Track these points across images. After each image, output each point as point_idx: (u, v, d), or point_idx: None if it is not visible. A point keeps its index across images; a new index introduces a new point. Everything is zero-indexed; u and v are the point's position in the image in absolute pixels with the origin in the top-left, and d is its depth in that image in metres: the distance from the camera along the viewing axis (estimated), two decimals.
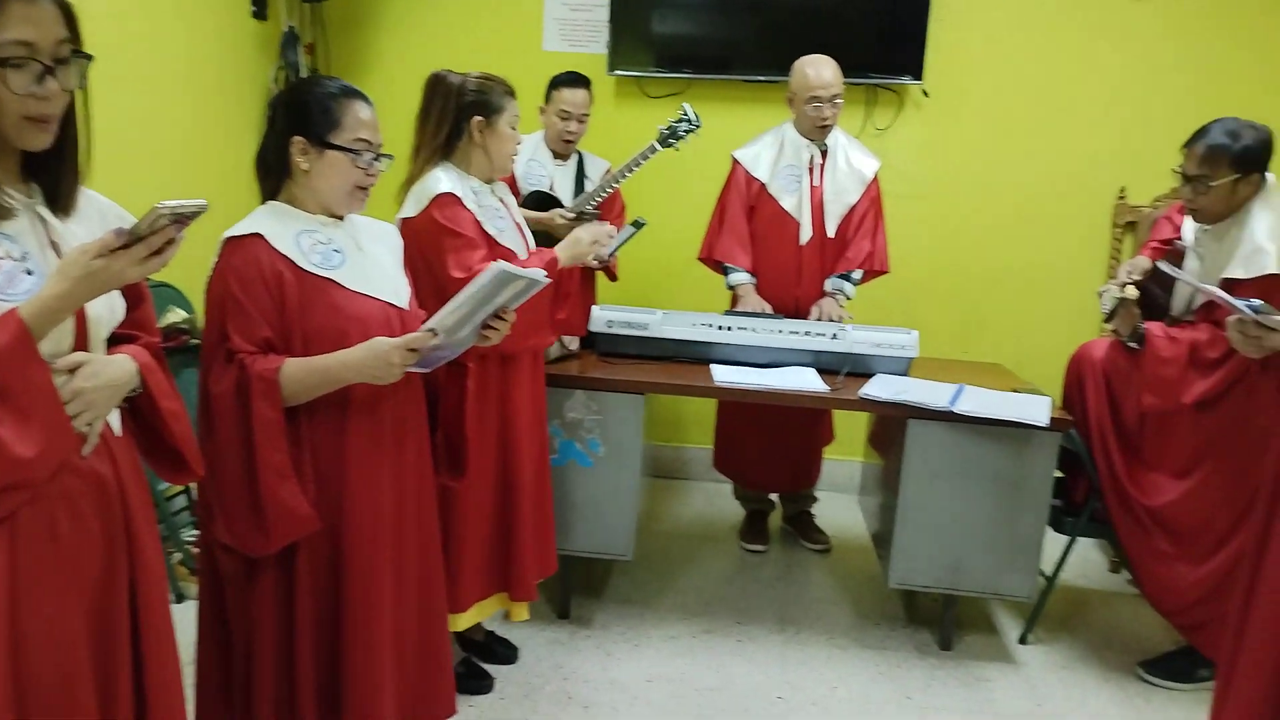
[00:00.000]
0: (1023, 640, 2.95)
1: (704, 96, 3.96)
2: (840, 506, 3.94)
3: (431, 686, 2.03)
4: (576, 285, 2.67)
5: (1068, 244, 3.99)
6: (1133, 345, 2.62)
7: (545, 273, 1.86)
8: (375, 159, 1.82)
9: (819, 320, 3.17)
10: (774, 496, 3.72)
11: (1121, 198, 3.91)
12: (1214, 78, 3.80)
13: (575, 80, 3.31)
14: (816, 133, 3.26)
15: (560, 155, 3.38)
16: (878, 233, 3.34)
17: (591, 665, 2.71)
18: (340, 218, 1.87)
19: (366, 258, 1.87)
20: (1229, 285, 2.45)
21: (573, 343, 2.98)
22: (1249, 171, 2.50)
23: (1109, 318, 2.63)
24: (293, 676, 1.80)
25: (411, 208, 2.29)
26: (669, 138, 3.14)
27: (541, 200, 3.24)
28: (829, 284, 3.30)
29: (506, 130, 2.34)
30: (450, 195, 2.26)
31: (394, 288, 1.91)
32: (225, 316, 1.72)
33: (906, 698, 2.63)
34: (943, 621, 2.90)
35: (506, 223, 2.41)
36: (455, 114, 2.32)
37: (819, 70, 3.19)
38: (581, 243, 2.47)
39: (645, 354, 2.99)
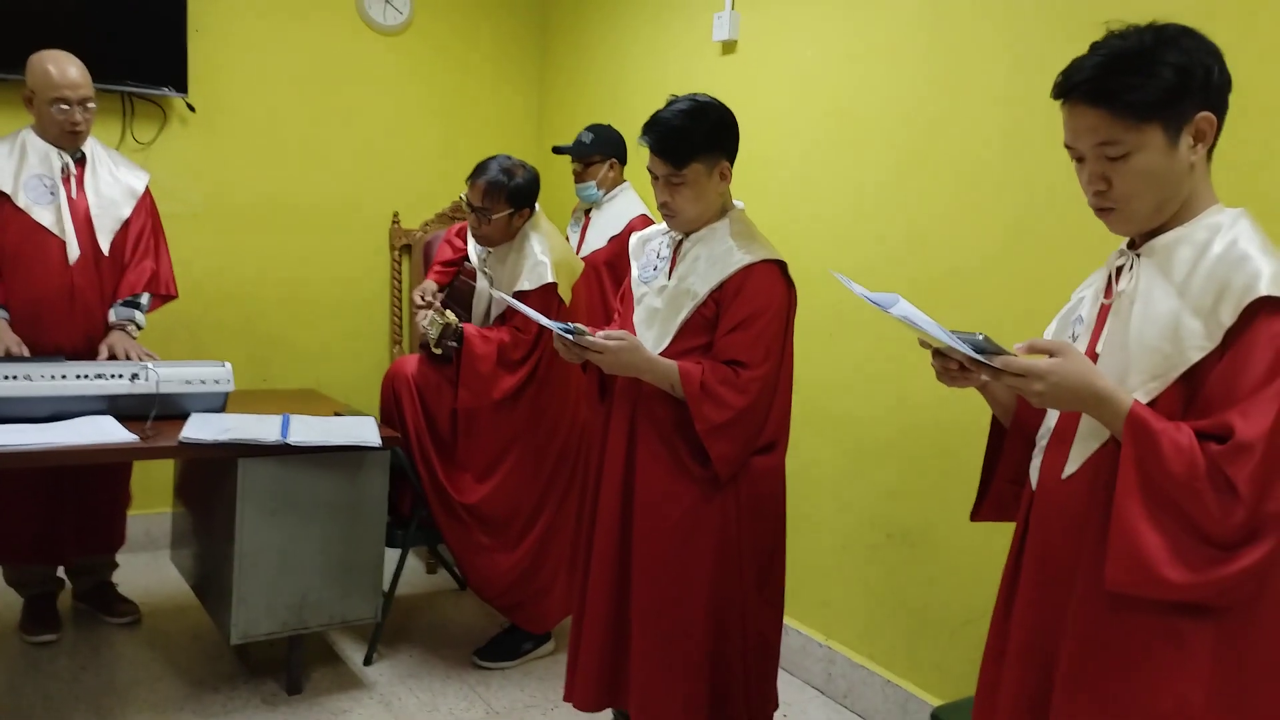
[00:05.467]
0: (367, 661, 2.96)
1: None
2: (143, 566, 3.49)
3: None
4: None
5: (354, 265, 4.10)
6: (453, 344, 2.79)
7: None
8: None
9: (110, 359, 2.74)
10: (60, 572, 3.12)
11: (395, 222, 4.16)
12: (468, 116, 4.26)
13: None
14: (67, 139, 2.81)
15: None
16: (160, 252, 3.02)
17: None
18: None
19: None
20: (521, 296, 2.78)
21: None
22: (521, 206, 2.86)
23: (438, 341, 2.77)
24: None
25: None
26: None
27: None
28: (115, 314, 2.88)
29: None
30: None
31: None
32: None
33: None
34: (289, 665, 2.75)
35: None
36: None
37: (62, 68, 2.76)
38: None
39: None
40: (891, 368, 2.72)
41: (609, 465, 2.20)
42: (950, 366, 1.34)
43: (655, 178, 2.08)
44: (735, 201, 2.18)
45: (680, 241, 2.16)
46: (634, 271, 2.26)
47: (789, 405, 2.18)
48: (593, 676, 2.21)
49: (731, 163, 2.11)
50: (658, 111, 2.07)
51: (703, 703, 2.12)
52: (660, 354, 2.09)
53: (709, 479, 2.08)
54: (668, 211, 2.10)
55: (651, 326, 2.15)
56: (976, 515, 1.61)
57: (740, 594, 2.15)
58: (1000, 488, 1.55)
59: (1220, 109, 1.29)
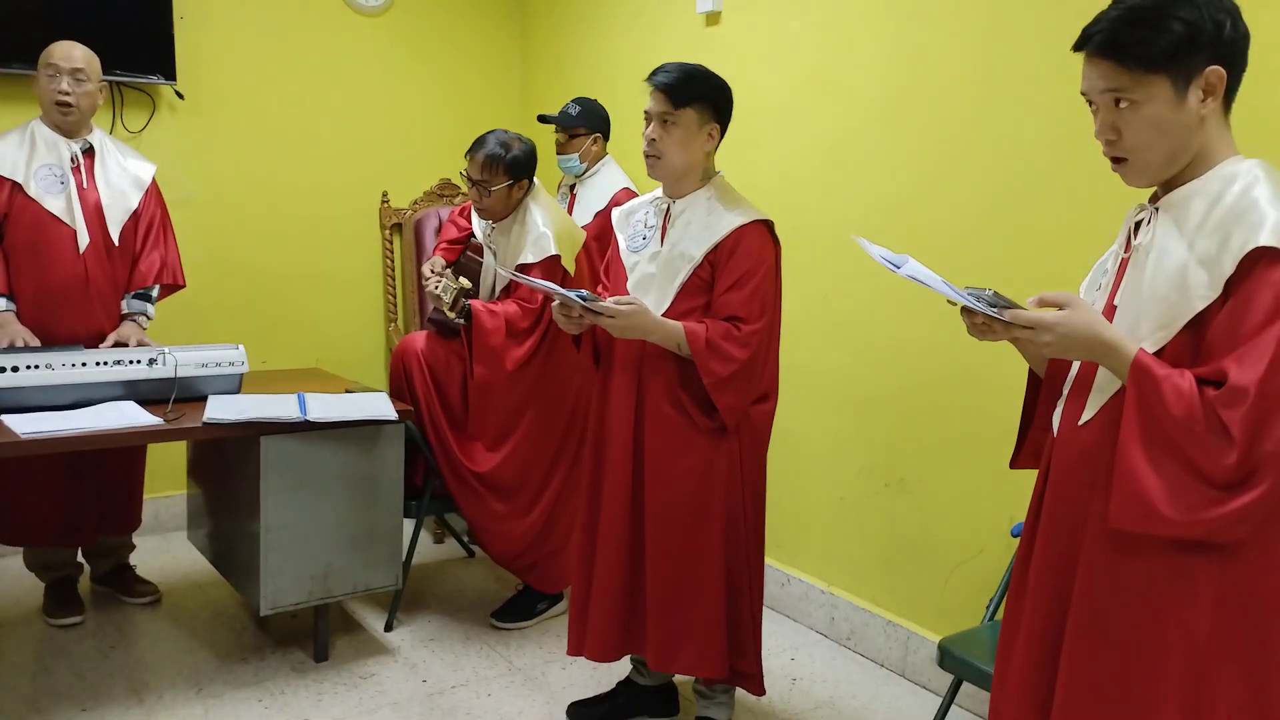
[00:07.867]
0: (388, 628, 3.07)
1: None
2: (155, 548, 3.56)
3: None
4: None
5: (346, 245, 4.15)
6: (460, 320, 2.87)
7: None
8: None
9: (117, 347, 2.80)
10: (79, 556, 3.19)
11: (385, 201, 4.21)
12: (453, 94, 4.31)
13: None
14: (57, 112, 2.83)
15: None
16: (168, 242, 3.08)
17: None
18: None
19: None
20: (524, 269, 2.86)
21: None
22: (519, 178, 2.94)
23: (453, 306, 2.84)
24: None
25: None
26: None
27: None
28: (128, 305, 2.94)
29: None
30: None
31: None
32: None
33: None
34: (316, 633, 2.85)
35: None
36: None
37: (59, 44, 2.84)
38: None
39: None
40: (885, 327, 2.84)
41: (615, 426, 2.31)
42: (977, 321, 1.40)
43: (649, 120, 2.19)
44: (717, 170, 2.31)
45: (668, 209, 2.27)
46: (621, 243, 2.37)
47: (778, 358, 2.33)
48: (608, 628, 2.33)
49: (723, 131, 2.24)
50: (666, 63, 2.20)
51: (722, 636, 2.27)
52: (660, 316, 2.21)
53: (716, 429, 2.23)
54: (653, 150, 2.20)
55: (649, 292, 2.26)
56: (1015, 463, 1.67)
57: (744, 532, 2.30)
58: (1037, 436, 1.60)
59: (1234, 63, 1.32)
